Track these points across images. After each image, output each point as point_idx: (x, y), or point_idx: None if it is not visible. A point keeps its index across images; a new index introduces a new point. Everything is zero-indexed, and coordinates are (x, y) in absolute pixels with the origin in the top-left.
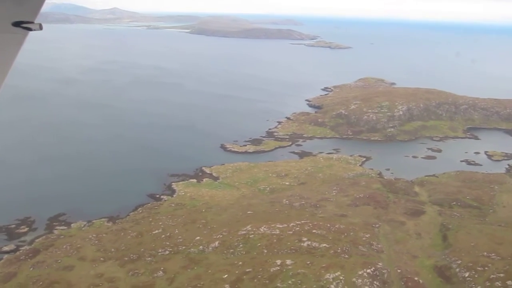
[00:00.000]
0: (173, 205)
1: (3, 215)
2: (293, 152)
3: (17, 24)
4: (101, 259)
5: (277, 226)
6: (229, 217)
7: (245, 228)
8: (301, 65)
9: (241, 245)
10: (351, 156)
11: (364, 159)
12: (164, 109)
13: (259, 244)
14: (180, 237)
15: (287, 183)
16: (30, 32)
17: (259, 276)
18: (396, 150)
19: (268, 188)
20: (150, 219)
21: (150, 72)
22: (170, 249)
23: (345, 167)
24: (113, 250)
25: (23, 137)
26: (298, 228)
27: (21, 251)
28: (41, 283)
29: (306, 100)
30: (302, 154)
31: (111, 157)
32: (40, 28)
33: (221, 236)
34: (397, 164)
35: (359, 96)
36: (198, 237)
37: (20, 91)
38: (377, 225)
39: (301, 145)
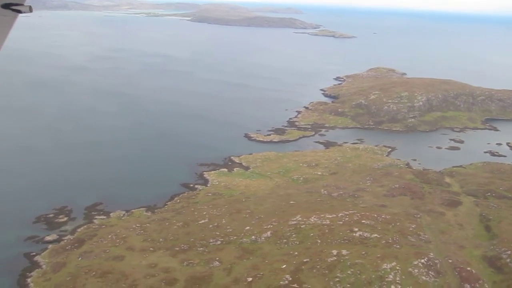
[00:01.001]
0: (210, 194)
1: (39, 204)
2: (318, 142)
3: (6, 6)
4: (150, 249)
5: (327, 216)
6: (272, 207)
7: (295, 218)
8: (308, 54)
9: (293, 235)
10: (376, 146)
11: (390, 149)
12: (178, 98)
13: (311, 234)
14: (228, 227)
15: (319, 173)
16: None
17: (318, 266)
18: (419, 141)
19: (301, 178)
20: (192, 209)
21: (159, 60)
22: (222, 239)
23: (373, 157)
24: (161, 240)
25: (44, 124)
26: (347, 219)
27: (65, 241)
28: (94, 273)
29: (321, 89)
30: (328, 144)
31: (136, 145)
32: (30, 10)
33: (271, 226)
34: (423, 155)
35: (376, 86)
36: (247, 227)
37: (32, 78)
38: (418, 216)
39: (324, 135)
